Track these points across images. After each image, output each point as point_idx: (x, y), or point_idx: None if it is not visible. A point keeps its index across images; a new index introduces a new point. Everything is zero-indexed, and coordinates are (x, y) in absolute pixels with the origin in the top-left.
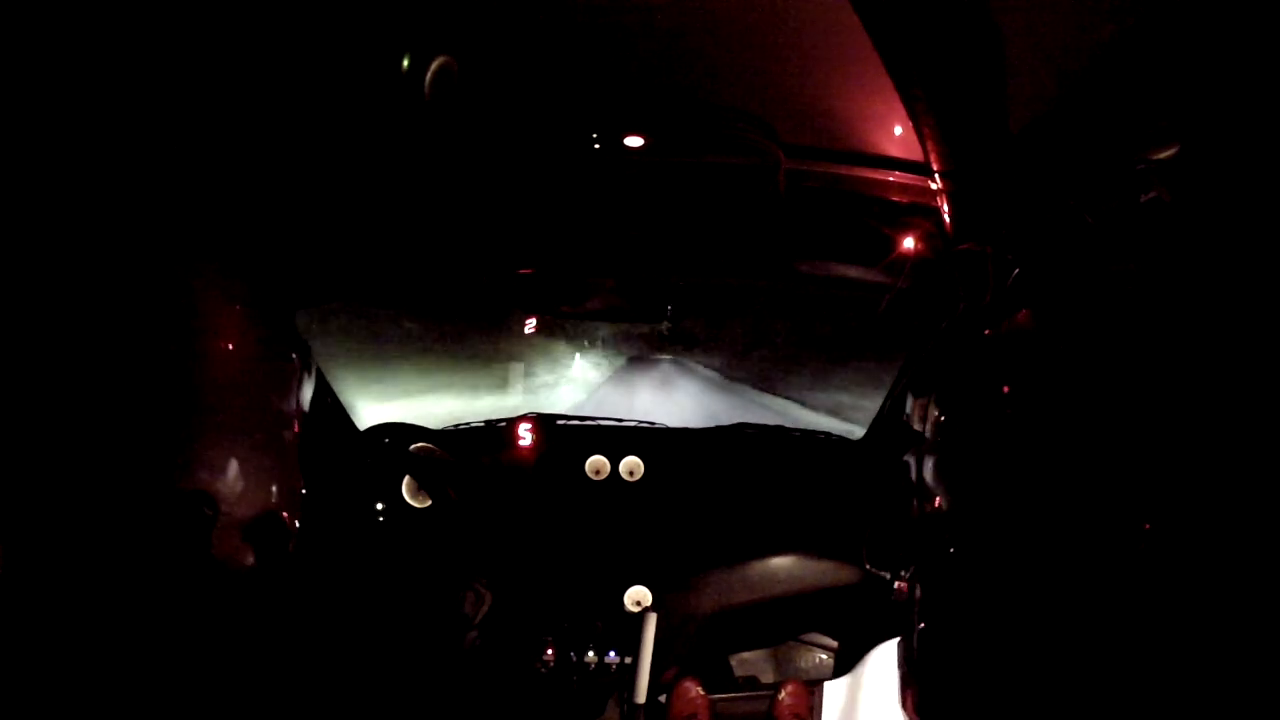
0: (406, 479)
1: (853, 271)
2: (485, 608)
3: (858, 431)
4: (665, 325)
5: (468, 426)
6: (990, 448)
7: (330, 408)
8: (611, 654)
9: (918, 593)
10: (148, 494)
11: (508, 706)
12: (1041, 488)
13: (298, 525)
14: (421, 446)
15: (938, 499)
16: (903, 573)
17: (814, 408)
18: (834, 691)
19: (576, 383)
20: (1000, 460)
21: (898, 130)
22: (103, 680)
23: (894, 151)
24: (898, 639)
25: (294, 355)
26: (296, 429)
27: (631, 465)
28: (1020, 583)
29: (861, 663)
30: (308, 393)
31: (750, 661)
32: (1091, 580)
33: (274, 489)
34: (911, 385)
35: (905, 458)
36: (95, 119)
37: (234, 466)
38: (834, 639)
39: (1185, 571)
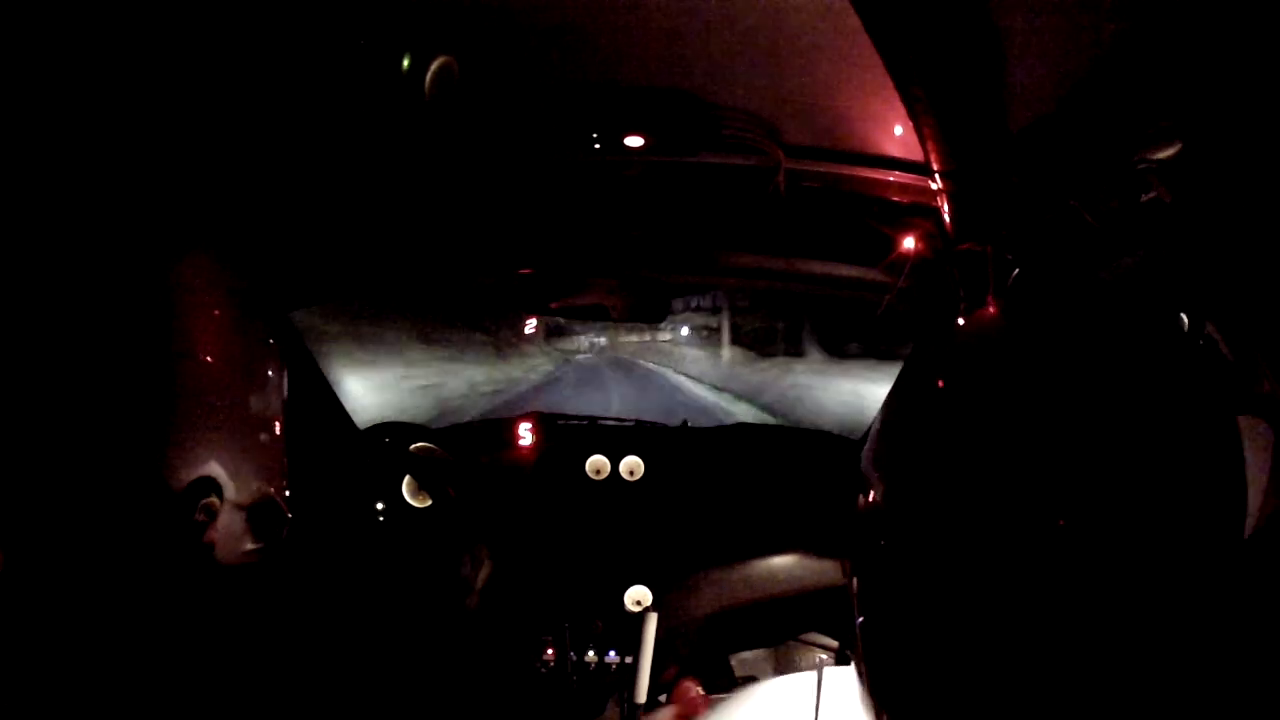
0: (406, 479)
1: (853, 271)
2: (484, 603)
3: (858, 431)
4: (666, 326)
5: (468, 426)
6: (919, 439)
7: (330, 408)
8: (611, 654)
9: (854, 585)
10: (139, 488)
11: (508, 706)
12: (974, 482)
13: (290, 516)
14: (421, 446)
15: (872, 492)
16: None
17: (814, 407)
18: (834, 678)
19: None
20: (930, 452)
21: (898, 130)
22: (102, 678)
23: (894, 151)
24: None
25: (282, 349)
26: (281, 421)
27: (631, 465)
28: (951, 577)
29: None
30: (287, 386)
31: (750, 661)
32: (1022, 572)
33: (266, 480)
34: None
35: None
36: (84, 111)
37: (226, 459)
38: (834, 639)
39: (1118, 572)
